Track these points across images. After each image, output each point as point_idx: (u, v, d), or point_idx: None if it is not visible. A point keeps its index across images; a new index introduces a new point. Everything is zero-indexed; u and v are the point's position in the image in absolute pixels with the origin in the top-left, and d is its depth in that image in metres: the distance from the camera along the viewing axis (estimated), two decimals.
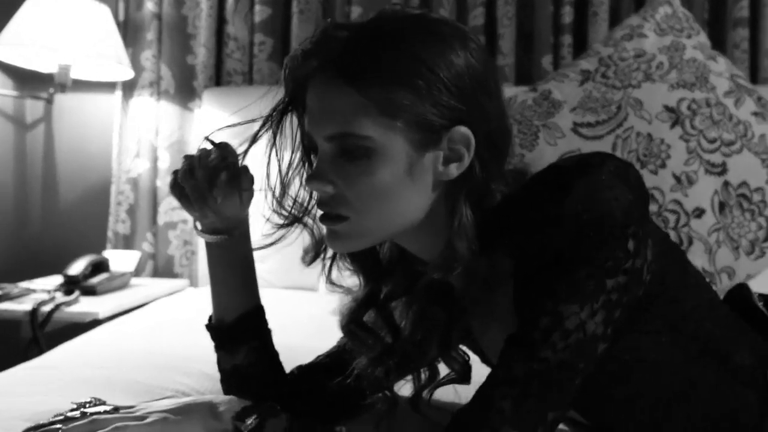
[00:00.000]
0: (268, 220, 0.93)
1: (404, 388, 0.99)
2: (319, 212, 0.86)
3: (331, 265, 0.94)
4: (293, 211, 0.92)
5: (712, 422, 0.85)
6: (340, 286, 0.95)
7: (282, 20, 2.35)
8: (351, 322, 0.94)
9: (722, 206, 1.47)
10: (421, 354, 0.89)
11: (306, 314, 1.72)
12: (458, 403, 0.92)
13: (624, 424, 0.87)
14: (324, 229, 0.87)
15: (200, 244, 2.20)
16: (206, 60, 2.33)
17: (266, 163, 0.91)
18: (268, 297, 1.84)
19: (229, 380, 1.01)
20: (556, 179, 0.79)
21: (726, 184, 1.49)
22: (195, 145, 2.32)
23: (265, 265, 2.00)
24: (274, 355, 1.03)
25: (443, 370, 0.95)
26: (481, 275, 0.84)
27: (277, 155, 0.91)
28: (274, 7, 2.33)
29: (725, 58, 1.68)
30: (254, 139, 0.93)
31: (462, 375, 0.93)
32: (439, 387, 0.94)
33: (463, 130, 0.82)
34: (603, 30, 2.19)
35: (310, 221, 0.92)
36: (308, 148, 0.89)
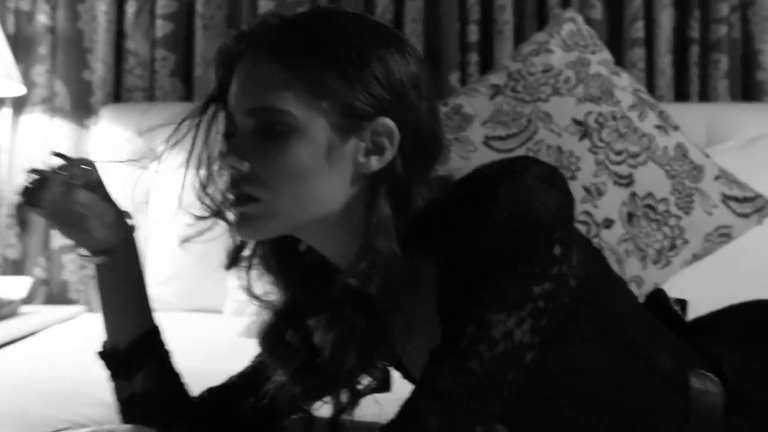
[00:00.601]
0: (192, 214, 0.89)
1: (323, 408, 0.95)
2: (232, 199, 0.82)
3: (249, 270, 0.89)
4: (215, 204, 0.87)
5: (638, 427, 0.83)
6: (259, 298, 0.90)
7: (185, 35, 2.28)
8: (269, 336, 0.89)
9: (630, 217, 1.50)
10: (340, 369, 0.84)
11: (211, 337, 1.65)
12: (381, 423, 0.88)
13: None
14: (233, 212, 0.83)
15: None
16: (104, 75, 2.24)
17: (190, 154, 0.88)
18: (170, 320, 1.76)
19: (128, 410, 0.94)
20: (482, 185, 0.76)
21: (633, 195, 1.52)
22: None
23: (167, 288, 1.92)
24: (176, 379, 0.97)
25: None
26: (401, 280, 0.80)
27: (205, 145, 0.87)
28: (177, 22, 2.26)
29: (627, 74, 1.72)
30: (177, 128, 0.89)
31: (382, 382, 0.89)
32: (359, 399, 0.90)
33: (388, 122, 0.80)
34: (508, 48, 2.23)
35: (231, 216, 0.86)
36: (232, 134, 0.84)
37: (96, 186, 0.89)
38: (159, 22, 2.24)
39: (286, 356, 0.89)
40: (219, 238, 1.85)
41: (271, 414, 0.95)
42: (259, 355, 1.00)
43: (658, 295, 0.96)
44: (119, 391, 0.94)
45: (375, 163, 0.80)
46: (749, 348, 0.89)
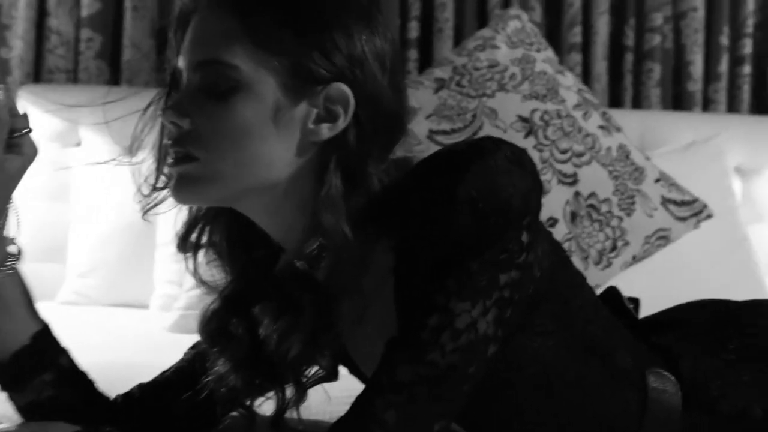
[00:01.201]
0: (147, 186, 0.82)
1: (265, 405, 0.89)
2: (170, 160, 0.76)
3: (196, 253, 0.82)
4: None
5: (596, 425, 0.81)
6: (205, 283, 0.84)
7: (113, 16, 2.16)
8: (212, 324, 0.83)
9: (573, 216, 1.49)
10: (284, 359, 0.78)
11: (136, 332, 1.56)
12: (328, 421, 0.83)
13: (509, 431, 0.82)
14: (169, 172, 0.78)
15: None
16: (24, 54, 2.10)
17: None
18: (91, 315, 1.68)
19: (31, 416, 0.86)
20: (449, 164, 0.71)
21: (577, 194, 1.51)
22: None
23: (88, 280, 1.81)
24: (80, 380, 0.88)
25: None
26: (351, 263, 0.75)
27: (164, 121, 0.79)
28: (105, 2, 2.14)
29: (572, 74, 1.72)
30: (149, 105, 0.82)
31: (329, 370, 0.84)
32: (305, 393, 0.84)
33: (343, 87, 0.75)
34: (448, 46, 2.20)
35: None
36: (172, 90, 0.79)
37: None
38: (85, 1, 2.12)
39: (229, 346, 0.83)
40: (143, 231, 1.77)
41: (208, 410, 0.88)
42: (194, 348, 0.93)
43: (611, 293, 0.94)
44: (14, 401, 0.86)
45: (326, 131, 0.76)
46: (702, 345, 0.88)
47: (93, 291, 1.79)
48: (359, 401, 0.70)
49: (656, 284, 1.59)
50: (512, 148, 0.73)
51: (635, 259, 1.53)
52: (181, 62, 0.78)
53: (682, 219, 1.55)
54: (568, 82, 1.65)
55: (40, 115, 1.96)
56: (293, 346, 0.77)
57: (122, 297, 1.79)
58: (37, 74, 2.15)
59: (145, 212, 0.84)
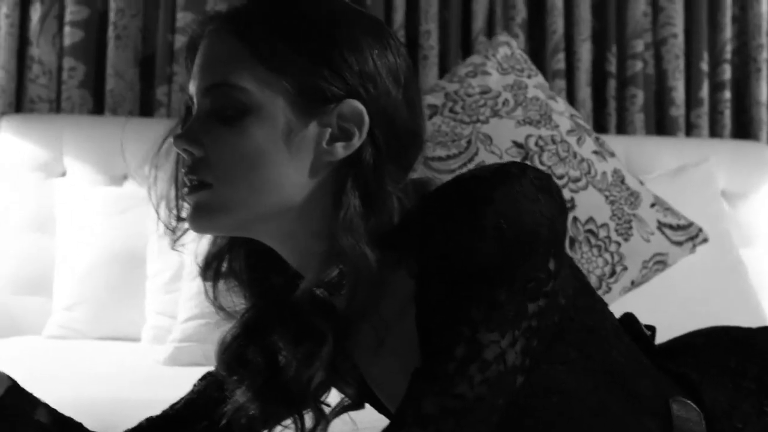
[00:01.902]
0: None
1: None
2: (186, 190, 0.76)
3: (216, 279, 0.81)
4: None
5: None
6: (224, 310, 0.81)
7: (96, 45, 2.14)
8: (229, 352, 0.81)
9: (572, 242, 1.48)
10: (305, 387, 0.76)
11: (130, 366, 1.52)
12: None
13: None
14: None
15: None
16: (5, 84, 2.06)
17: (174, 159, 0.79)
18: (79, 349, 1.64)
19: None
20: (473, 189, 0.69)
21: (575, 219, 1.51)
22: None
23: (74, 313, 1.76)
24: (66, 429, 0.85)
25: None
26: (371, 284, 0.72)
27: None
28: (87, 30, 2.12)
29: (563, 99, 1.73)
30: (167, 136, 0.80)
31: (354, 399, 0.81)
32: (326, 422, 0.82)
33: (356, 104, 0.73)
34: (433, 73, 2.21)
35: None
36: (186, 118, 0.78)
37: None
38: (67, 30, 2.10)
39: (247, 374, 0.81)
40: (131, 263, 1.73)
41: None
42: (204, 379, 0.91)
43: (628, 319, 0.91)
44: None
45: (340, 150, 0.74)
46: (721, 374, 0.87)
47: (80, 324, 1.74)
48: None
49: (653, 309, 1.59)
50: (538, 174, 0.71)
51: (634, 284, 1.53)
52: (192, 88, 0.77)
53: (679, 243, 1.55)
54: (561, 107, 1.66)
55: (23, 144, 1.93)
56: (315, 374, 0.75)
57: (111, 330, 1.75)
58: (19, 104, 2.11)
59: (174, 243, 0.82)
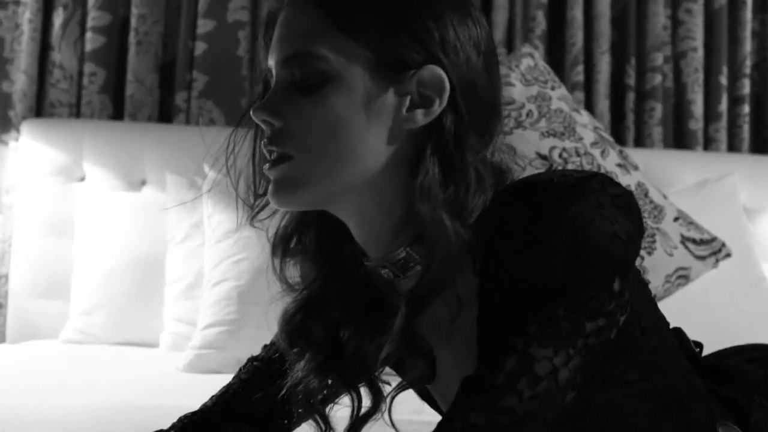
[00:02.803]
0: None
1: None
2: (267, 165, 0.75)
3: (285, 254, 0.80)
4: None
5: None
6: (288, 284, 0.81)
7: (117, 51, 2.14)
8: (291, 324, 0.80)
9: None
10: (371, 358, 0.76)
11: (149, 372, 1.51)
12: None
13: None
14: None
15: (10, 296, 1.90)
16: (26, 88, 2.07)
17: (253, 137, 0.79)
18: (97, 355, 1.63)
19: None
20: (549, 199, 0.66)
21: None
22: (9, 181, 2.03)
23: (92, 318, 1.76)
24: None
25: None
26: (446, 256, 0.70)
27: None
28: (109, 36, 2.12)
29: (587, 112, 1.72)
30: (248, 109, 0.78)
31: (427, 371, 0.77)
32: (400, 392, 0.83)
33: (435, 70, 0.72)
34: None
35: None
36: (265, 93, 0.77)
37: None
38: (89, 35, 2.10)
39: (309, 347, 0.81)
40: (150, 268, 1.72)
41: (281, 417, 0.86)
42: (252, 361, 0.90)
43: (677, 335, 0.86)
44: None
45: (420, 116, 0.72)
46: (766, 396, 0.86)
47: (98, 329, 1.74)
48: None
49: (675, 324, 1.58)
50: (619, 190, 0.69)
51: (656, 299, 1.50)
52: (270, 61, 0.76)
53: (702, 258, 1.54)
54: (584, 120, 1.66)
55: (43, 149, 1.93)
56: (386, 348, 0.74)
57: (129, 335, 1.74)
58: (39, 108, 2.11)
59: (252, 219, 0.81)
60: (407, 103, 0.73)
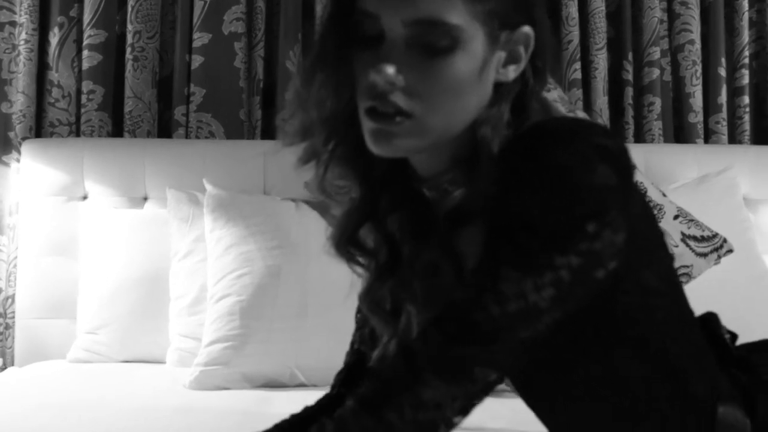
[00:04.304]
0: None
1: None
2: (366, 105, 0.77)
3: (326, 169, 0.84)
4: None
5: None
6: (332, 196, 0.85)
7: (115, 67, 2.15)
8: (346, 237, 0.85)
9: None
10: (429, 267, 0.83)
11: (153, 390, 1.52)
12: None
13: None
14: (368, 126, 0.78)
15: (17, 317, 1.91)
16: (25, 109, 2.08)
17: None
18: (105, 373, 1.64)
19: None
20: (539, 142, 0.73)
21: None
22: (12, 202, 2.04)
23: (98, 336, 1.77)
24: None
25: None
26: (488, 180, 0.76)
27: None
28: (105, 53, 2.13)
29: (584, 113, 1.72)
30: (321, 45, 0.81)
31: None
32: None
33: (529, 31, 0.78)
34: None
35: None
36: (360, 35, 0.77)
37: None
38: (86, 53, 2.11)
39: (364, 257, 0.87)
40: (154, 285, 1.73)
41: None
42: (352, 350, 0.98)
43: (709, 319, 0.92)
44: None
45: (512, 72, 0.79)
46: None
47: (105, 347, 1.75)
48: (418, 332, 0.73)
49: None
50: (607, 142, 0.73)
51: None
52: (380, 11, 0.76)
53: (703, 255, 1.54)
54: None
55: (44, 169, 1.94)
56: (423, 254, 0.82)
57: (136, 352, 1.75)
58: (39, 128, 2.12)
59: (325, 171, 0.84)
60: (503, 59, 0.79)
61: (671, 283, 0.83)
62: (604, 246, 0.72)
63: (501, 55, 0.78)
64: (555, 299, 0.70)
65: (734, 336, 0.92)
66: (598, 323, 0.77)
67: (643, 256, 0.78)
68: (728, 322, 1.60)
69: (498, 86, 0.79)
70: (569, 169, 0.71)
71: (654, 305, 0.79)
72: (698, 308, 1.63)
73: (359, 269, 0.89)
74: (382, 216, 0.86)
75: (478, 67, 0.76)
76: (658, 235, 0.84)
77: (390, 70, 0.75)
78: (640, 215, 0.79)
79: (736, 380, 0.84)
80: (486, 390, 0.71)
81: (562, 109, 1.52)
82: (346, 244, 0.86)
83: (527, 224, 0.71)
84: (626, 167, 0.75)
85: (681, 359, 0.80)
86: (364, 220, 0.86)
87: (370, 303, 0.89)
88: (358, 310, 0.97)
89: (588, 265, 0.72)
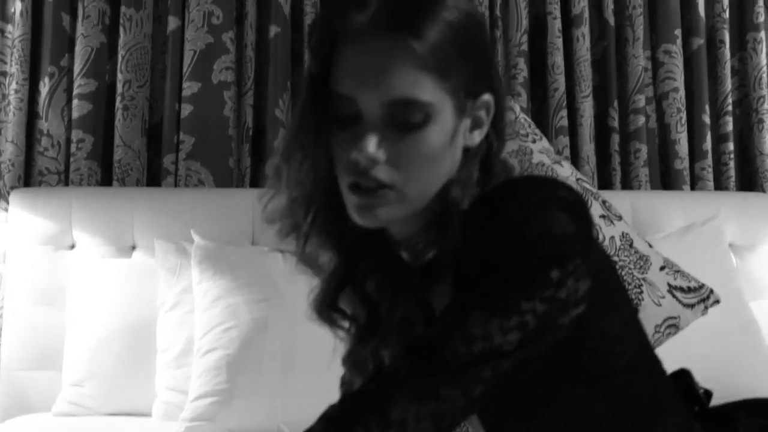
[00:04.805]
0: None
1: None
2: (349, 182, 0.81)
3: (305, 241, 0.87)
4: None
5: None
6: (312, 265, 0.89)
7: (104, 116, 2.16)
8: (326, 304, 0.89)
9: None
10: (407, 324, 0.87)
11: None
12: None
13: None
14: (352, 200, 0.82)
15: (1, 369, 1.89)
16: (14, 158, 2.08)
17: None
18: (89, 428, 1.62)
19: None
20: (504, 196, 0.78)
21: None
22: (0, 251, 2.03)
23: (84, 389, 1.74)
24: None
25: None
26: (456, 239, 0.80)
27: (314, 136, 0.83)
28: (95, 102, 2.14)
29: (569, 163, 1.73)
30: (299, 126, 0.84)
31: None
32: None
33: (489, 97, 0.83)
34: None
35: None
36: (337, 115, 0.81)
37: None
38: (76, 102, 2.12)
39: (345, 324, 0.91)
40: (141, 337, 1.71)
41: None
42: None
43: (682, 375, 0.95)
44: None
45: (477, 136, 0.84)
46: None
47: (90, 400, 1.72)
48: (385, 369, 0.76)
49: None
50: (567, 195, 0.78)
51: None
52: (350, 89, 0.79)
53: (690, 306, 1.54)
54: (566, 172, 1.67)
55: (32, 218, 1.94)
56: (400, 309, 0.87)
57: (121, 405, 1.73)
58: (28, 177, 2.12)
59: (304, 246, 0.88)
60: (469, 125, 0.83)
61: (634, 331, 0.86)
62: (568, 294, 0.76)
63: (467, 122, 0.83)
64: (520, 343, 0.73)
65: (708, 393, 0.93)
66: (562, 364, 0.80)
67: (605, 304, 0.82)
68: (716, 370, 1.61)
69: (466, 150, 0.84)
70: (529, 219, 0.75)
71: (618, 351, 0.82)
72: (686, 357, 1.63)
73: (341, 333, 0.92)
74: (360, 281, 0.90)
75: (449, 136, 0.81)
76: (620, 285, 0.88)
77: (371, 148, 0.78)
78: (601, 264, 0.83)
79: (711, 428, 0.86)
80: (454, 414, 0.73)
81: (517, 166, 1.55)
82: (327, 310, 0.90)
83: (493, 270, 0.74)
84: (584, 217, 0.79)
85: (647, 405, 0.83)
86: (344, 286, 0.89)
87: (352, 365, 0.93)
88: (343, 378, 0.97)
89: (553, 312, 0.75)
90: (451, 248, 0.80)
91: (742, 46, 2.48)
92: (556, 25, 2.31)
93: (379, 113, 0.79)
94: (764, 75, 2.43)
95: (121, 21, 2.14)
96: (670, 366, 1.52)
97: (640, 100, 2.36)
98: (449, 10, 0.79)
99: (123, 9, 2.15)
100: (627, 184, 2.35)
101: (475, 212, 0.79)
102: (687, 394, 0.91)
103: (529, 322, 0.73)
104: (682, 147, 2.37)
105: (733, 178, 2.39)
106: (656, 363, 0.89)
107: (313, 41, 0.82)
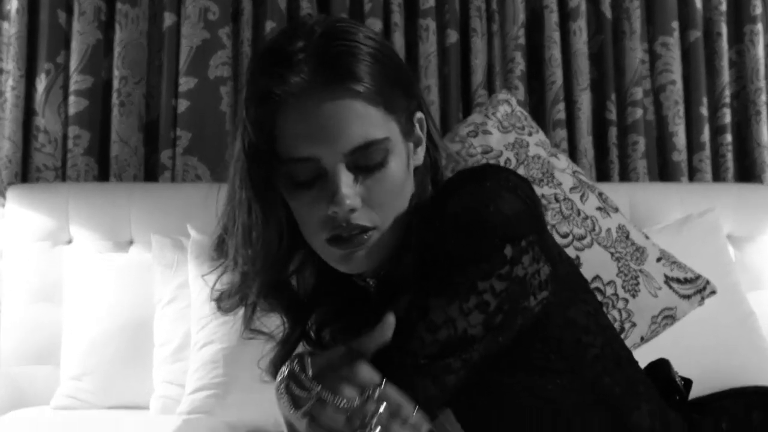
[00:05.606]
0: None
1: None
2: (327, 236, 0.82)
3: (253, 310, 0.89)
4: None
5: None
6: (262, 333, 0.90)
7: (101, 113, 2.17)
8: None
9: None
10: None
11: None
12: None
13: None
14: (335, 254, 0.83)
15: (0, 364, 1.89)
16: (11, 155, 2.08)
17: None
18: (88, 420, 1.62)
19: None
20: (450, 184, 0.81)
21: None
22: None
23: (82, 383, 1.74)
24: None
25: None
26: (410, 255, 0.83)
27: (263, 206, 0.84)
28: (92, 99, 2.15)
29: (565, 155, 1.73)
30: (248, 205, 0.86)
31: None
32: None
33: (420, 114, 0.86)
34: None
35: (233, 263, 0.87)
36: (295, 180, 0.81)
37: None
38: (72, 99, 2.12)
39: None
40: (138, 331, 1.72)
41: None
42: None
43: (660, 364, 0.96)
44: None
45: (420, 154, 0.88)
46: (729, 423, 0.89)
47: (88, 394, 1.73)
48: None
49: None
50: (509, 176, 0.80)
51: (643, 340, 1.51)
52: (320, 155, 0.79)
53: (687, 297, 1.54)
54: (563, 164, 1.66)
55: (29, 214, 1.94)
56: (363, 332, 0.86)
57: (119, 399, 1.73)
58: (25, 173, 2.13)
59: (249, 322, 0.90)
60: (412, 146, 0.86)
61: (600, 324, 0.87)
62: (527, 274, 0.77)
63: (410, 144, 0.86)
64: (485, 326, 0.75)
65: (688, 382, 0.94)
66: (532, 355, 0.81)
67: (568, 294, 0.84)
68: (715, 361, 1.61)
69: (416, 170, 0.87)
70: (478, 203, 0.77)
71: (585, 342, 0.84)
72: (684, 349, 1.63)
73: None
74: (317, 333, 0.92)
75: (405, 163, 0.84)
76: (581, 278, 0.90)
77: (347, 200, 0.79)
78: (559, 254, 0.85)
79: (694, 423, 0.87)
80: (428, 403, 0.73)
81: (513, 159, 1.56)
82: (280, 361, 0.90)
83: (448, 257, 0.76)
84: (531, 196, 0.81)
85: (619, 395, 0.84)
86: (297, 345, 0.91)
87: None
88: None
89: (513, 292, 0.76)
90: (407, 260, 0.82)
91: (740, 38, 2.48)
92: (553, 18, 2.31)
93: (343, 164, 0.80)
94: (761, 67, 2.42)
95: (117, 17, 2.15)
96: (669, 357, 1.52)
97: (638, 93, 2.36)
98: (366, 44, 0.81)
99: (119, 5, 2.15)
100: (625, 177, 2.34)
101: (427, 210, 0.81)
102: (665, 384, 0.91)
103: (489, 302, 0.75)
104: (680, 139, 2.36)
105: (730, 170, 2.39)
106: (627, 354, 0.90)
107: (252, 114, 0.81)
